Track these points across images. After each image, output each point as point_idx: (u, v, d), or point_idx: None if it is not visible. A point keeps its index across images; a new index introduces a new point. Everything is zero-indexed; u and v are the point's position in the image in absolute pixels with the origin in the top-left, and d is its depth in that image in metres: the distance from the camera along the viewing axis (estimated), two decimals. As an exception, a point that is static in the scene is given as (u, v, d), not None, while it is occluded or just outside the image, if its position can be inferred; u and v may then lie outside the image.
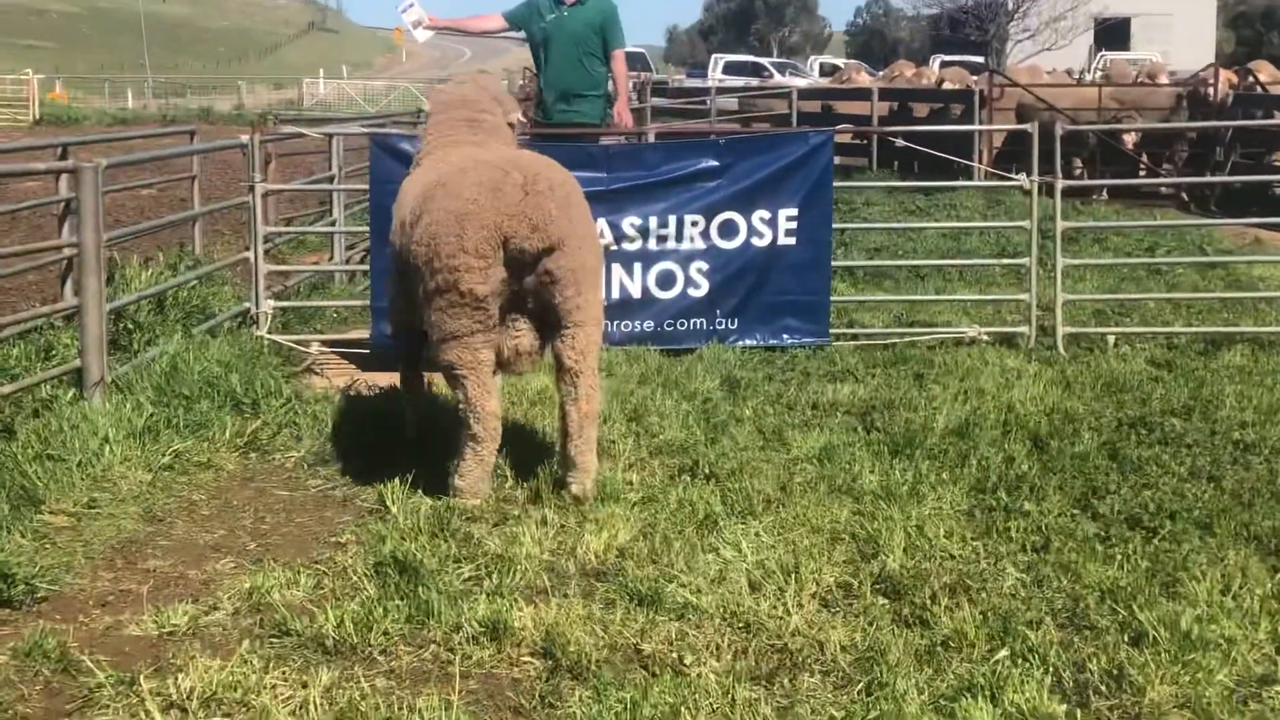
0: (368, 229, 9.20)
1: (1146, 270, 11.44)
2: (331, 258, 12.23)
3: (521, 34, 10.00)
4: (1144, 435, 6.64)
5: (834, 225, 9.11)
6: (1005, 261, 9.97)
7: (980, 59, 43.25)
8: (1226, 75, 18.90)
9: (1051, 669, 4.11)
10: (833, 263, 9.12)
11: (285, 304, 9.42)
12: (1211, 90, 17.90)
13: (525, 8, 9.89)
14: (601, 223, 8.54)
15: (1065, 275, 9.19)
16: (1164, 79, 19.87)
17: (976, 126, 17.03)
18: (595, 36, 9.82)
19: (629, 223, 8.61)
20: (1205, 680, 4.00)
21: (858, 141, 20.75)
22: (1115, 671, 4.09)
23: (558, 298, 5.58)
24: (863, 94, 21.84)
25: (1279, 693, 3.98)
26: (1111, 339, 8.89)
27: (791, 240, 8.69)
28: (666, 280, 8.70)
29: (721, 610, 4.54)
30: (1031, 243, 8.98)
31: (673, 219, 8.64)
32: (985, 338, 8.87)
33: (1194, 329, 9.14)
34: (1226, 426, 6.75)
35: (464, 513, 5.51)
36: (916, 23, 71.71)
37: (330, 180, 12.72)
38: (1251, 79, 19.23)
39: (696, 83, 40.05)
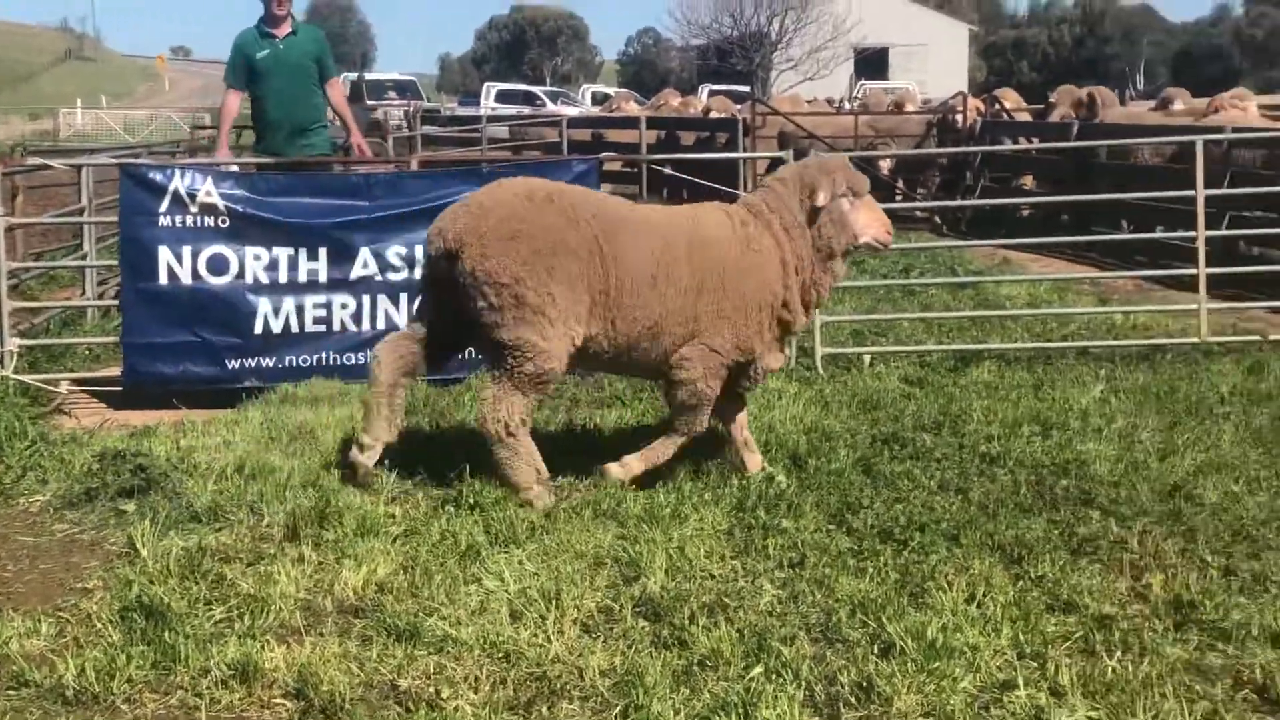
0: (119, 263, 8.89)
1: (902, 291, 11.82)
2: (83, 293, 11.77)
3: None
4: (897, 451, 6.83)
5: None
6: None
7: (747, 88, 44.21)
8: (974, 103, 19.70)
9: (804, 683, 4.18)
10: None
11: (33, 342, 9.04)
12: (960, 118, 18.63)
13: (236, 56, 9.77)
14: (365, 253, 8.46)
15: (824, 297, 9.41)
16: (910, 107, 20.61)
17: (740, 154, 17.36)
18: (314, 66, 9.77)
19: (394, 252, 8.52)
20: (950, 688, 4.13)
21: (628, 169, 20.95)
22: (864, 683, 4.18)
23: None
24: (631, 123, 22.08)
25: (1018, 698, 4.12)
26: (867, 358, 9.15)
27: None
28: (432, 309, 8.61)
29: (481, 641, 4.49)
30: (790, 266, 9.16)
31: (437, 247, 8.56)
32: (747, 360, 9.01)
33: (945, 347, 9.47)
34: (974, 440, 7.00)
35: (217, 553, 5.35)
36: (686, 53, 72.88)
37: (80, 213, 12.24)
38: (998, 106, 20.09)
39: (469, 111, 39.94)
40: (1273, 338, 9.40)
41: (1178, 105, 17.71)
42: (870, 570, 5.13)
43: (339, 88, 10.10)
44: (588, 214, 6.07)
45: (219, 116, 10.52)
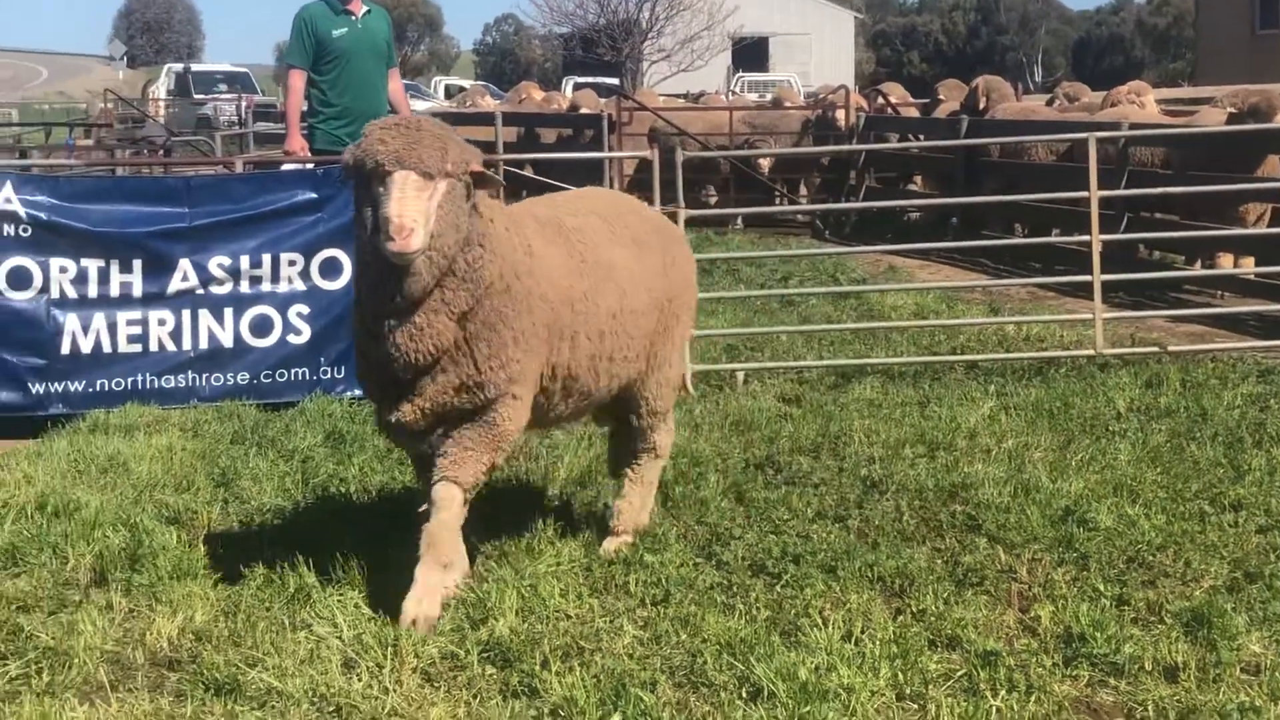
0: None
1: (780, 302, 11.92)
2: None
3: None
4: (771, 476, 6.89)
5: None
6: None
7: (615, 80, 44.37)
8: (856, 98, 19.96)
9: (665, 732, 4.19)
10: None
11: None
12: (841, 114, 18.87)
13: (304, 30, 9.46)
14: (185, 264, 8.33)
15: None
16: (789, 102, 20.84)
17: (606, 154, 17.39)
18: (387, 49, 9.63)
19: (216, 263, 8.41)
20: (822, 734, 4.17)
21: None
22: (731, 730, 4.21)
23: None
24: (486, 119, 22.00)
25: (896, 739, 4.17)
26: (741, 375, 9.21)
27: (401, 277, 8.64)
28: (262, 326, 8.52)
29: (310, 694, 4.44)
30: (656, 276, 9.20)
31: (267, 258, 8.48)
32: (612, 379, 9.03)
33: (825, 362, 9.56)
34: (854, 463, 7.07)
35: (13, 601, 5.22)
36: (549, 42, 72.93)
37: None
38: (882, 101, 20.39)
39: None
40: (1172, 349, 9.61)
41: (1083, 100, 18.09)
42: (740, 607, 5.17)
43: (399, 78, 9.87)
44: None
45: (286, 101, 10.19)
